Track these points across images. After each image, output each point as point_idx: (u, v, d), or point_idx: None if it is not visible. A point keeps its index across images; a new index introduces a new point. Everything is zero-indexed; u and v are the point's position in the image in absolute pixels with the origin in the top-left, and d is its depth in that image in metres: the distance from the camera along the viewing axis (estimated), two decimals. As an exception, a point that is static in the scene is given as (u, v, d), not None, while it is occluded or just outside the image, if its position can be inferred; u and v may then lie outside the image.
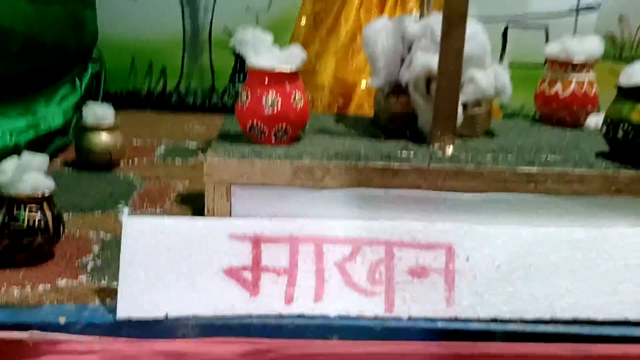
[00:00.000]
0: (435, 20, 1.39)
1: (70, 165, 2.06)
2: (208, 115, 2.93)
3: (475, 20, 1.44)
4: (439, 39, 1.33)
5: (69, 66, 2.45)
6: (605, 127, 1.31)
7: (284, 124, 1.29)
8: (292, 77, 1.30)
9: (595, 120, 1.89)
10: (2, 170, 1.29)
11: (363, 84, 1.78)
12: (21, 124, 1.95)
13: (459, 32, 1.25)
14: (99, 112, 2.00)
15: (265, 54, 1.31)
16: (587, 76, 1.60)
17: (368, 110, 1.73)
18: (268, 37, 1.64)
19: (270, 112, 1.28)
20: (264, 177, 1.23)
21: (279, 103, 1.28)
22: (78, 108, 2.44)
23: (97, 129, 1.99)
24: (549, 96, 1.63)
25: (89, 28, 2.63)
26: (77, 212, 1.68)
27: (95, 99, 2.72)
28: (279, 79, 1.28)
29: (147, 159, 2.20)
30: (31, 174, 1.29)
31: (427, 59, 1.35)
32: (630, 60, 2.27)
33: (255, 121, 1.30)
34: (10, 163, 1.30)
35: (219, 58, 2.95)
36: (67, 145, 2.23)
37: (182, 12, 2.91)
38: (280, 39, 2.76)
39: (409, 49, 1.41)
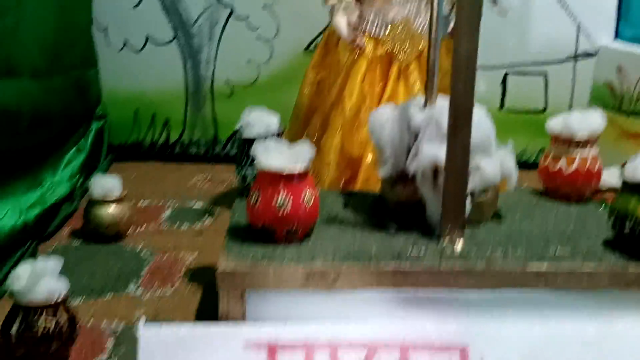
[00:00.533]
0: (440, 109, 1.41)
1: (78, 236, 2.08)
2: (211, 166, 2.96)
3: (478, 109, 1.45)
4: (444, 128, 1.35)
5: (74, 129, 2.47)
6: (612, 220, 1.33)
7: (295, 224, 1.31)
8: (301, 176, 1.32)
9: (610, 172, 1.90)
10: (17, 276, 1.30)
11: (369, 158, 1.80)
12: (29, 200, 1.97)
13: (465, 130, 1.27)
14: (107, 185, 2.02)
15: (275, 153, 1.32)
16: (590, 152, 1.61)
17: (375, 184, 1.74)
18: (274, 119, 1.67)
19: (280, 214, 1.29)
20: (277, 282, 1.24)
21: (289, 204, 1.29)
22: (84, 168, 2.47)
23: (105, 201, 2.01)
24: (553, 172, 1.64)
25: (92, 89, 2.65)
26: (88, 296, 1.69)
27: (100, 153, 2.75)
28: (288, 179, 1.30)
29: (154, 225, 2.22)
30: (45, 280, 1.30)
31: (433, 151, 1.37)
32: (629, 114, 2.30)
33: (266, 222, 1.31)
34: (25, 269, 1.31)
35: (222, 109, 2.98)
36: (74, 211, 2.25)
37: (185, 65, 2.94)
38: (282, 91, 2.82)
39: (415, 137, 1.43)
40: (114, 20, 2.87)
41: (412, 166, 1.40)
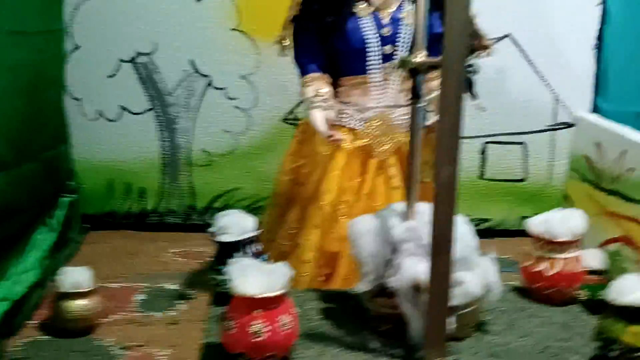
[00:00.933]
0: (421, 219, 1.38)
1: (46, 329, 2.00)
2: (188, 236, 2.90)
3: (460, 218, 1.42)
4: (424, 243, 1.31)
5: (43, 211, 2.40)
6: (599, 342, 1.30)
7: (272, 351, 1.26)
8: (278, 300, 1.27)
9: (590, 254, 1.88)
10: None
11: (348, 254, 1.76)
12: (-4, 295, 1.90)
13: (445, 257, 1.23)
14: (76, 277, 1.96)
15: (250, 275, 1.27)
16: (572, 253, 1.59)
17: (354, 280, 1.69)
18: (250, 221, 1.63)
19: (256, 341, 1.24)
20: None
21: (266, 331, 1.24)
22: (56, 247, 2.40)
23: (74, 294, 1.94)
24: (536, 273, 1.61)
25: (63, 165, 2.59)
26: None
27: (72, 226, 2.68)
28: (264, 304, 1.25)
29: (125, 315, 2.14)
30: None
31: (414, 268, 1.33)
32: (609, 192, 2.28)
33: (241, 349, 1.26)
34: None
35: (199, 178, 2.94)
36: (44, 297, 2.17)
37: (161, 134, 2.90)
38: (260, 160, 2.78)
39: (395, 250, 1.39)
40: (88, 91, 2.84)
41: (393, 282, 1.36)
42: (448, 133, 1.22)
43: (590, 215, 2.44)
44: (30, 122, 2.07)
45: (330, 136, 1.75)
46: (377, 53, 1.75)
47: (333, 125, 1.81)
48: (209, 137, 2.87)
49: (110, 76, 2.82)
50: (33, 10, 2.02)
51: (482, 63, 2.58)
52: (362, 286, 1.41)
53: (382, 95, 1.79)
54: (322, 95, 1.72)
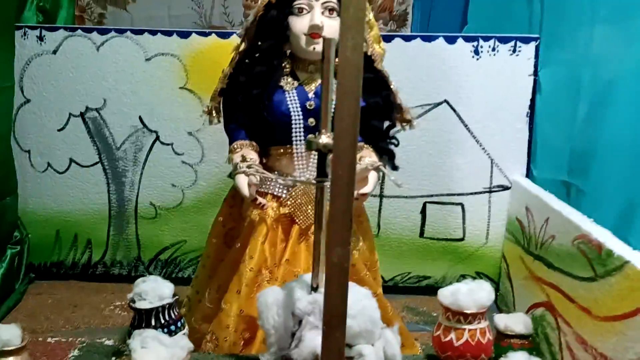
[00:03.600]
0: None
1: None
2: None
3: (364, 291, 1.48)
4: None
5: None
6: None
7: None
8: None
9: (504, 320, 1.95)
10: None
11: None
12: None
13: (338, 333, 1.28)
14: (5, 336, 1.97)
15: (151, 347, 1.32)
16: (478, 326, 1.65)
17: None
18: (168, 287, 1.68)
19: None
20: None
21: (164, 404, 1.28)
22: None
23: (3, 354, 1.95)
24: (445, 342, 1.67)
25: (8, 217, 2.62)
26: None
27: (16, 277, 2.70)
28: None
29: (57, 371, 2.16)
30: None
31: (314, 342, 1.38)
32: (535, 257, 2.36)
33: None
34: None
35: (145, 231, 2.98)
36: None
37: (108, 187, 2.94)
38: (206, 214, 2.83)
39: (300, 323, 1.44)
40: (37, 143, 2.88)
41: (294, 354, 1.41)
42: (340, 216, 1.27)
43: (520, 278, 2.54)
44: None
45: (255, 200, 1.81)
46: (300, 125, 1.83)
47: (259, 191, 1.87)
48: (156, 191, 2.92)
49: (60, 129, 2.87)
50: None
51: (424, 126, 2.72)
52: (266, 357, 1.45)
53: (305, 165, 1.86)
54: (248, 162, 1.79)
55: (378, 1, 3.47)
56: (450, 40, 2.71)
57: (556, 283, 2.13)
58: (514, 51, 2.69)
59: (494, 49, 2.69)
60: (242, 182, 1.79)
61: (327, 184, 1.45)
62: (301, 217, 1.86)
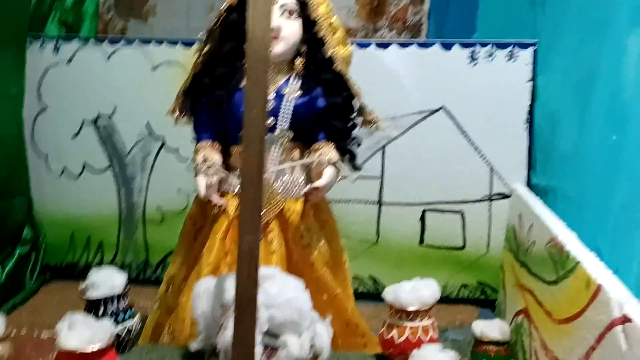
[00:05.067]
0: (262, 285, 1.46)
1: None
2: (142, 289, 3.02)
3: (294, 283, 1.50)
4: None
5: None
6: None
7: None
8: (100, 354, 1.36)
9: (481, 326, 1.92)
10: None
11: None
12: None
13: (249, 319, 1.31)
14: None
15: (77, 330, 1.38)
16: (420, 324, 1.64)
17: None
18: (119, 278, 1.74)
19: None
20: None
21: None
22: (5, 295, 2.54)
23: (-16, 341, 2.05)
24: (387, 340, 1.67)
25: (15, 217, 2.76)
26: None
27: (22, 281, 2.84)
28: (86, 358, 1.35)
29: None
30: None
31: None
32: (521, 264, 2.31)
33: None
34: None
35: (153, 234, 3.07)
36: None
37: (118, 192, 3.05)
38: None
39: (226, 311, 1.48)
40: (54, 148, 3.03)
41: (219, 342, 1.44)
42: (250, 205, 1.31)
43: (510, 285, 2.49)
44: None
45: (209, 200, 1.86)
46: (259, 124, 1.87)
47: (221, 191, 1.92)
48: (162, 196, 3.01)
49: (74, 135, 3.01)
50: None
51: (422, 133, 2.72)
52: (193, 345, 1.49)
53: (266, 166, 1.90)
54: (207, 162, 1.84)
55: (392, 11, 3.50)
56: (447, 47, 2.70)
57: (531, 288, 2.08)
58: (511, 57, 2.65)
59: (490, 55, 2.67)
60: (201, 182, 1.84)
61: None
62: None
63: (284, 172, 1.92)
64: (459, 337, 2.48)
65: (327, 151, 1.89)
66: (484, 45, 2.68)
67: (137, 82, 2.91)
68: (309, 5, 1.88)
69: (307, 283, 1.85)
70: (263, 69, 1.29)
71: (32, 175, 3.04)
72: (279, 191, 1.91)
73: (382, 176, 2.83)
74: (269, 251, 1.87)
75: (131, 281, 3.05)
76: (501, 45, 2.67)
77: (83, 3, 3.37)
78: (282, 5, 1.85)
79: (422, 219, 2.87)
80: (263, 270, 1.54)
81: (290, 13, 1.86)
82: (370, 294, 2.79)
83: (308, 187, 1.82)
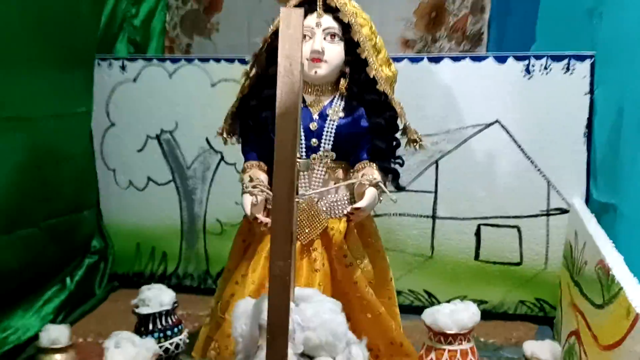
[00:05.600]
0: (299, 307, 1.50)
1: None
2: (202, 298, 3.12)
3: (330, 305, 1.53)
4: (290, 327, 1.43)
5: (59, 269, 2.71)
6: None
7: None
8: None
9: (532, 347, 1.91)
10: None
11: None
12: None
13: (281, 342, 1.35)
14: (53, 333, 2.20)
15: (122, 348, 1.45)
16: (459, 347, 1.64)
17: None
18: (168, 295, 1.82)
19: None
20: None
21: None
22: (65, 306, 2.68)
23: (50, 351, 2.18)
24: (427, 362, 1.67)
25: (85, 229, 2.91)
26: None
27: (92, 289, 2.98)
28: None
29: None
30: None
31: (270, 351, 1.45)
32: (575, 283, 2.27)
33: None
34: None
35: (213, 245, 3.17)
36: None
37: (180, 204, 3.17)
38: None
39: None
40: (121, 163, 3.18)
41: (256, 367, 1.49)
42: (281, 231, 1.35)
43: (566, 304, 2.43)
44: (31, 195, 2.39)
45: (255, 219, 1.91)
46: (303, 145, 1.91)
47: (266, 210, 1.97)
48: (221, 208, 3.11)
49: (139, 150, 3.14)
50: (41, 98, 2.36)
51: (476, 147, 2.70)
52: (233, 365, 1.54)
53: (307, 183, 1.94)
54: (254, 182, 1.90)
55: (451, 22, 3.47)
56: (501, 60, 2.67)
57: (582, 310, 2.04)
58: (568, 69, 2.60)
59: (546, 67, 2.62)
60: (247, 201, 1.90)
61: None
62: (301, 234, 1.93)
63: (328, 192, 1.95)
64: (513, 355, 2.44)
65: (369, 171, 1.91)
66: (538, 58, 2.63)
67: (197, 98, 3.02)
68: (352, 27, 1.91)
69: (350, 302, 1.89)
70: (293, 93, 1.32)
71: (101, 188, 3.20)
72: (323, 210, 1.94)
73: (435, 190, 2.82)
74: (312, 269, 1.90)
75: (192, 291, 3.23)
76: (557, 58, 2.61)
77: (151, 22, 3.52)
78: (325, 29, 1.89)
79: (477, 233, 2.84)
80: (300, 292, 1.58)
81: (333, 36, 1.90)
82: (426, 308, 2.79)
83: (350, 208, 1.84)
